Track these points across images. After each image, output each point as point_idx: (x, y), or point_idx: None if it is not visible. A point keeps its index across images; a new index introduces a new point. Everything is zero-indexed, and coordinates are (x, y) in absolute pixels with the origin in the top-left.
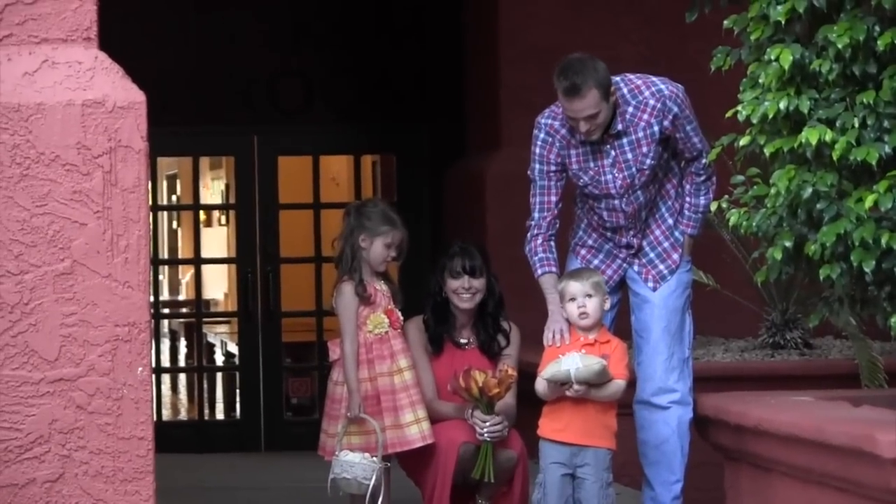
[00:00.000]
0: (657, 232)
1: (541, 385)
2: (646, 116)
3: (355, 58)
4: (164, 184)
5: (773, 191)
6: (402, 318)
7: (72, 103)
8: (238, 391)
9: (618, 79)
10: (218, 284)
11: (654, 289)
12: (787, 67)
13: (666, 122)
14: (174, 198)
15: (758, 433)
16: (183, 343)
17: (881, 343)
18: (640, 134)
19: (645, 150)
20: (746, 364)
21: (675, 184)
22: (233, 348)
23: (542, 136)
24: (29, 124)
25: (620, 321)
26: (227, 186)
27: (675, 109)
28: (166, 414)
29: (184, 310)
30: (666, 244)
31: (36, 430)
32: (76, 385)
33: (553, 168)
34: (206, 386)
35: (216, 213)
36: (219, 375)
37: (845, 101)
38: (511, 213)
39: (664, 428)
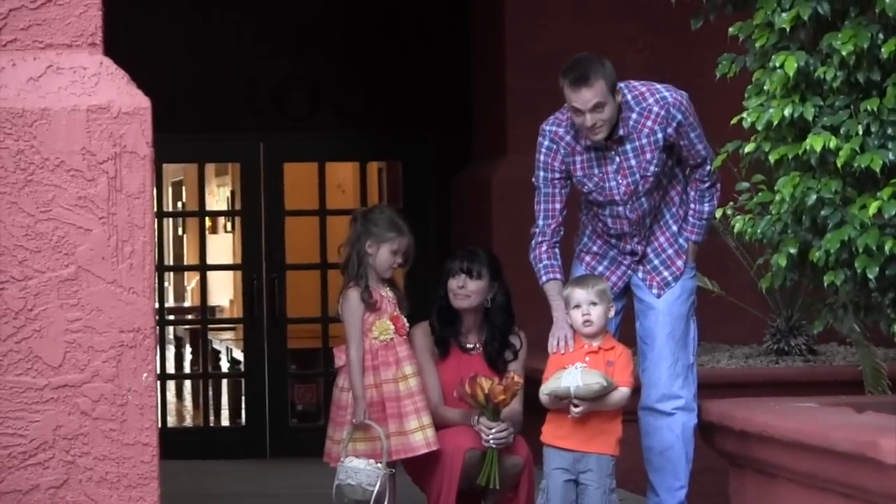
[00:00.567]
0: (661, 239)
1: (543, 397)
2: (649, 123)
3: (361, 65)
4: (170, 190)
5: (777, 197)
6: (407, 324)
7: (77, 109)
8: (243, 398)
9: (621, 85)
10: (223, 291)
11: (659, 295)
12: (791, 74)
13: (670, 130)
14: (179, 204)
15: (762, 439)
16: (188, 350)
17: (885, 349)
18: (644, 141)
19: (649, 157)
20: (751, 370)
21: (680, 190)
22: (238, 355)
23: (546, 143)
24: (33, 129)
25: (625, 328)
26: (233, 193)
27: (679, 117)
28: (171, 421)
29: (189, 316)
30: (670, 251)
31: (40, 437)
32: (80, 391)
33: (557, 175)
34: (211, 392)
35: (222, 220)
36: (224, 382)
37: (849, 108)
38: (517, 220)
39: (669, 434)
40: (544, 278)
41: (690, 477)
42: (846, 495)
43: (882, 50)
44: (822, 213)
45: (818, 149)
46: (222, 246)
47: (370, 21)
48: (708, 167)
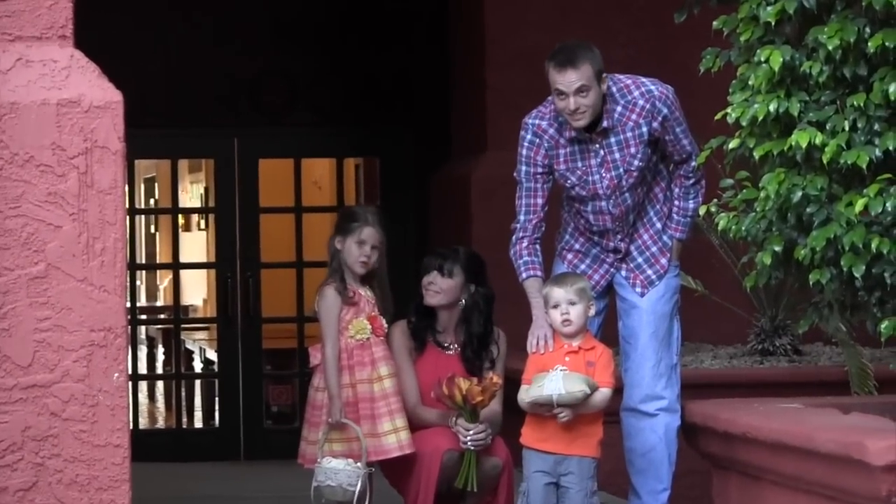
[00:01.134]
0: (645, 236)
1: (523, 402)
2: (634, 116)
3: (339, 60)
4: (142, 187)
5: (762, 194)
6: (385, 325)
7: (46, 103)
8: (217, 399)
9: (606, 76)
10: (197, 290)
11: (642, 294)
12: (776, 69)
13: (655, 124)
14: (152, 201)
15: (746, 441)
16: (161, 350)
17: (871, 350)
18: (629, 134)
19: (633, 150)
20: (735, 371)
21: (664, 187)
22: (212, 355)
23: (528, 136)
24: (2, 124)
25: (607, 328)
26: (207, 190)
27: (665, 111)
28: (143, 422)
29: (162, 316)
30: (654, 248)
31: (8, 438)
32: (50, 391)
33: (540, 170)
34: (184, 393)
35: (195, 217)
36: (197, 383)
37: (836, 103)
38: (497, 218)
39: (651, 435)
40: (524, 275)
41: (673, 479)
42: (831, 498)
43: (869, 44)
44: (808, 210)
45: (804, 145)
46: (196, 244)
47: (348, 16)
48: (693, 163)
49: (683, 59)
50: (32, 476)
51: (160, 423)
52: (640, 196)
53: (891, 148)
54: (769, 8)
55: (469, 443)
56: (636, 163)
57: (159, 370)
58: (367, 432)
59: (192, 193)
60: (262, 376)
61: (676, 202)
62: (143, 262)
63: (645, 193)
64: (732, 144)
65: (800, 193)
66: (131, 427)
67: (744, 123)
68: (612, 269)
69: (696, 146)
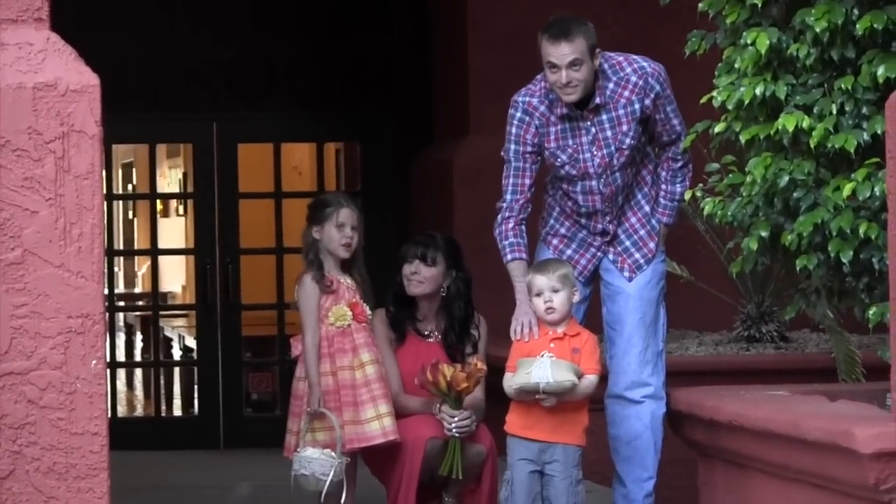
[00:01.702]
0: (633, 219)
1: (509, 388)
2: (626, 93)
3: (318, 43)
4: (120, 172)
5: (748, 179)
6: (368, 312)
7: (22, 86)
8: (196, 386)
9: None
10: (175, 276)
11: (630, 279)
12: (763, 52)
13: (647, 101)
14: (130, 187)
15: (732, 429)
16: (139, 337)
17: (859, 336)
18: (621, 111)
19: (625, 128)
20: (721, 358)
21: (651, 170)
22: (191, 342)
23: (518, 114)
24: None
25: (591, 314)
26: (185, 175)
27: (658, 88)
28: (122, 410)
29: (140, 303)
30: (642, 232)
31: None
32: (27, 379)
33: (529, 149)
34: (163, 381)
35: (174, 203)
36: (176, 370)
37: (823, 86)
38: (479, 203)
39: (637, 423)
40: (509, 256)
41: (658, 467)
42: (818, 486)
43: (857, 26)
44: (795, 195)
45: (791, 128)
46: (174, 230)
47: None
48: (682, 144)
49: (669, 41)
50: (9, 464)
51: (139, 412)
52: (629, 177)
53: (879, 132)
54: None
55: (454, 430)
56: (628, 141)
57: (138, 357)
58: (350, 419)
59: (170, 179)
60: (242, 364)
61: (664, 186)
62: (121, 248)
63: (633, 176)
64: (718, 128)
65: (787, 178)
66: (109, 415)
67: (730, 107)
68: (598, 254)
69: (686, 127)
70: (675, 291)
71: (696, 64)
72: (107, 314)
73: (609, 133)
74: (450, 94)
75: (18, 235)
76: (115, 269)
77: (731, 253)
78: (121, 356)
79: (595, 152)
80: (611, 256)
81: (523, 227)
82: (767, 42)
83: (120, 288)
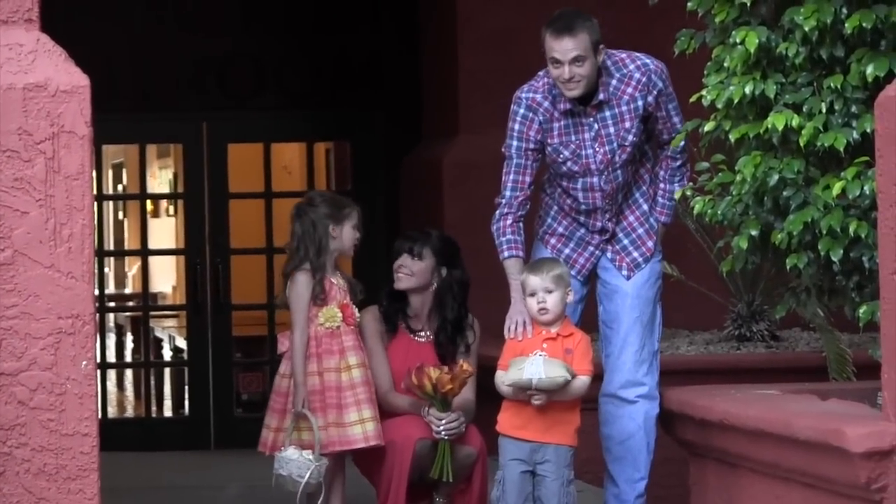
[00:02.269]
0: (631, 218)
1: (502, 385)
2: (630, 90)
3: (308, 43)
4: (110, 173)
5: (738, 178)
6: (357, 314)
7: (12, 87)
8: (187, 387)
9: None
10: (166, 277)
11: (628, 277)
12: (752, 50)
13: (650, 98)
14: (120, 187)
15: (723, 428)
16: (129, 338)
17: (849, 335)
18: (624, 108)
19: (628, 125)
20: (711, 357)
21: (649, 168)
22: (181, 343)
23: (521, 111)
24: None
25: (586, 313)
26: (175, 175)
27: (661, 84)
28: (112, 411)
29: (130, 303)
30: (640, 230)
31: None
32: (17, 380)
33: (532, 146)
34: (153, 382)
35: (164, 203)
36: (167, 371)
37: (812, 85)
38: (469, 202)
39: (630, 423)
40: (506, 253)
41: (651, 468)
42: (809, 485)
43: (846, 25)
44: (785, 193)
45: (780, 127)
46: (164, 230)
47: None
48: (682, 144)
49: (658, 40)
50: (0, 465)
51: (129, 412)
52: (630, 175)
53: (868, 130)
54: None
55: (443, 432)
56: (630, 137)
57: (128, 358)
58: (334, 421)
59: (160, 179)
60: (232, 364)
61: (662, 185)
62: (112, 248)
63: (632, 174)
64: (708, 127)
65: (776, 177)
66: (100, 416)
67: (719, 106)
68: (597, 252)
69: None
70: (665, 290)
71: (685, 63)
72: (97, 315)
73: (612, 129)
74: (440, 93)
75: (8, 236)
76: (106, 269)
77: (721, 252)
78: (111, 357)
79: (597, 148)
80: (609, 255)
81: (521, 225)
82: (756, 41)
83: (110, 288)
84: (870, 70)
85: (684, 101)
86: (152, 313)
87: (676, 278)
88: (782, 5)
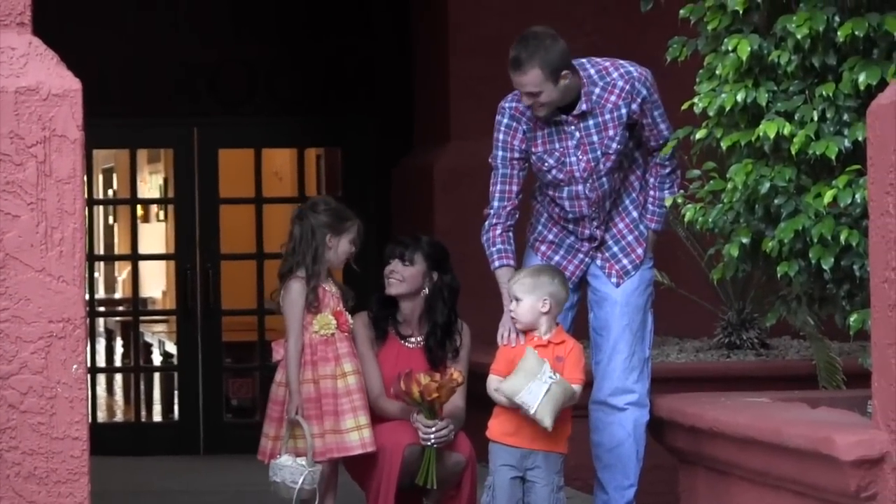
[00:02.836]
0: (621, 225)
1: (501, 398)
2: (613, 98)
3: (300, 49)
4: (101, 177)
5: (729, 185)
6: (350, 320)
7: (4, 90)
8: (176, 392)
9: (584, 60)
10: (156, 282)
11: (618, 284)
12: (744, 58)
13: (634, 106)
14: (110, 192)
15: (713, 435)
16: (119, 343)
17: (839, 343)
18: (608, 116)
19: (611, 133)
20: (701, 365)
21: (640, 175)
22: (171, 348)
23: (505, 120)
24: None
25: (578, 320)
26: (166, 180)
27: (644, 92)
28: (101, 416)
29: (120, 308)
30: (630, 237)
31: None
32: (8, 383)
33: (517, 155)
34: (143, 387)
35: (154, 208)
36: (156, 376)
37: (804, 93)
38: (460, 209)
39: (619, 430)
40: (496, 263)
41: (640, 475)
42: (800, 493)
43: (838, 33)
44: (776, 201)
45: (772, 135)
46: (155, 235)
47: (308, 3)
48: (671, 151)
49: (650, 48)
50: None
51: (119, 417)
52: (617, 183)
53: (860, 138)
54: None
55: (432, 439)
56: (614, 146)
57: (118, 363)
58: (331, 428)
59: (150, 184)
60: (222, 369)
61: (652, 192)
62: (102, 253)
63: (621, 181)
64: (699, 135)
65: (768, 184)
66: (89, 420)
67: (711, 113)
68: (586, 259)
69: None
70: (656, 298)
71: (677, 71)
72: (87, 318)
73: (595, 138)
74: (431, 100)
75: (0, 240)
76: (96, 274)
77: (712, 259)
78: (101, 362)
79: (581, 156)
80: (598, 262)
81: (511, 234)
82: (749, 49)
83: (100, 293)
84: (862, 78)
85: (676, 108)
86: (142, 318)
87: (667, 286)
88: (775, 13)
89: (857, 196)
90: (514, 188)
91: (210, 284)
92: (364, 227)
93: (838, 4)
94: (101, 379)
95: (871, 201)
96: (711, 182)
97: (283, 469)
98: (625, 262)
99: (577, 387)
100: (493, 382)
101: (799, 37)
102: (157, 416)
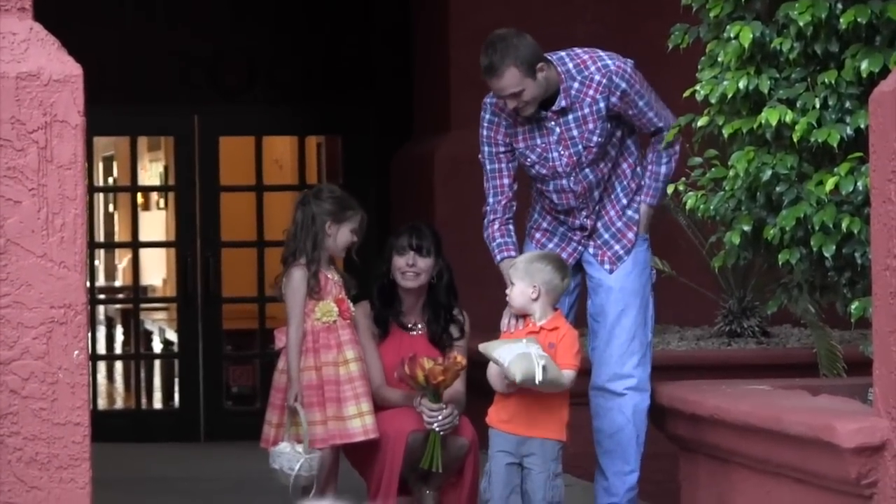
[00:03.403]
0: (612, 213)
1: (492, 376)
2: (591, 92)
3: (300, 36)
4: (101, 165)
5: (731, 173)
6: (352, 308)
7: (5, 76)
8: (177, 379)
9: (563, 54)
10: (156, 269)
11: (611, 271)
12: (746, 46)
13: (613, 99)
14: (111, 179)
15: (714, 423)
16: (120, 330)
17: (840, 331)
18: (587, 110)
19: (591, 126)
20: (702, 352)
21: (632, 163)
22: (171, 335)
23: (487, 116)
24: None
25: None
26: (166, 168)
27: (623, 85)
28: (102, 403)
29: (120, 296)
30: (619, 223)
31: None
32: (10, 369)
33: (502, 149)
34: (143, 374)
35: (154, 196)
36: (157, 363)
37: (806, 80)
38: (460, 198)
39: (619, 416)
40: (498, 257)
41: (641, 461)
42: (800, 480)
43: (840, 20)
44: (778, 189)
45: (774, 123)
46: (155, 223)
47: None
48: (664, 134)
49: (651, 35)
50: None
51: (119, 404)
52: (605, 172)
53: (862, 126)
54: None
55: (436, 426)
56: (595, 139)
57: (118, 350)
58: (333, 415)
59: (151, 172)
60: (223, 357)
61: (650, 167)
62: (102, 240)
63: (611, 169)
64: (701, 122)
65: (769, 172)
66: (90, 407)
67: (713, 101)
68: (579, 247)
69: (670, 116)
70: (656, 286)
71: (679, 58)
72: (88, 304)
73: (575, 132)
74: (431, 89)
75: (1, 225)
76: (96, 262)
77: (713, 247)
78: (101, 349)
79: (562, 151)
80: (591, 250)
81: (510, 227)
82: (751, 36)
83: (100, 281)
84: (864, 66)
85: (678, 96)
86: (142, 306)
87: (668, 274)
88: (777, 0)
89: (859, 184)
90: (506, 181)
91: (210, 272)
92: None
93: None
94: (102, 366)
95: (873, 189)
96: (713, 169)
97: (282, 456)
98: (616, 247)
99: (567, 372)
100: (483, 346)
101: (801, 24)
102: (158, 404)
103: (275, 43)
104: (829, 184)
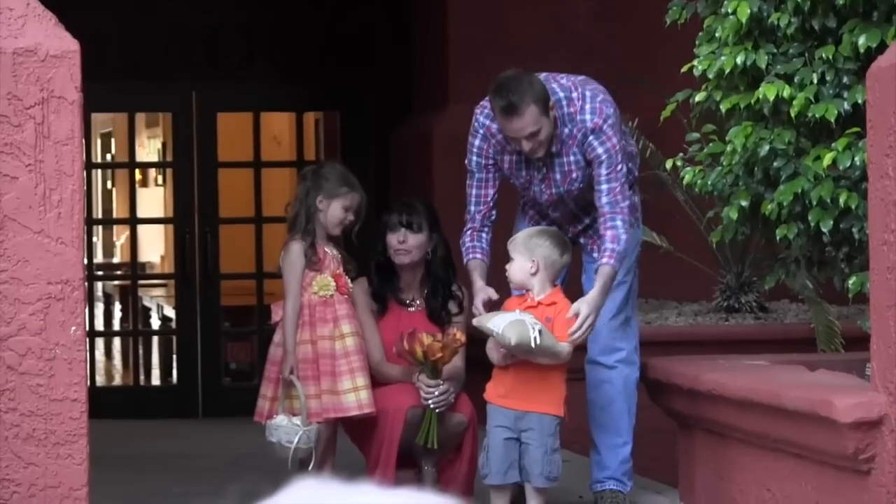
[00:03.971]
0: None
1: (490, 351)
2: (573, 144)
3: (299, 12)
4: (99, 142)
5: (729, 148)
6: (350, 283)
7: (2, 51)
8: (175, 356)
9: (561, 96)
10: (154, 246)
11: (601, 257)
12: (744, 21)
13: (589, 152)
14: (108, 156)
15: (712, 398)
16: (118, 307)
17: (838, 307)
18: (571, 158)
19: (574, 175)
20: (700, 328)
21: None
22: (169, 312)
23: (480, 132)
24: None
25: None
26: (164, 144)
27: (595, 143)
28: (100, 380)
29: (118, 272)
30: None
31: None
32: (7, 345)
33: (491, 162)
34: (141, 351)
35: (152, 172)
36: (155, 340)
37: (804, 56)
38: (458, 173)
39: (610, 388)
40: (465, 258)
41: (635, 434)
42: (798, 455)
43: None
44: (775, 164)
45: (771, 98)
46: (153, 199)
47: None
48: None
49: (649, 11)
50: None
51: (117, 381)
52: (589, 198)
53: (859, 101)
54: None
55: (431, 403)
56: (577, 184)
57: (116, 327)
58: (328, 389)
59: (149, 149)
60: (221, 333)
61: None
62: (100, 217)
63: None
64: (699, 98)
65: (767, 147)
66: (88, 383)
67: (710, 76)
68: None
69: (633, 168)
70: (654, 261)
71: (677, 34)
72: (86, 281)
73: (558, 177)
74: (430, 65)
75: None
76: (94, 238)
77: (710, 223)
78: (99, 326)
79: (544, 189)
80: (582, 240)
81: (483, 234)
82: (748, 11)
83: (98, 258)
84: (862, 41)
85: (675, 71)
86: (141, 282)
87: (665, 249)
88: None
89: (857, 159)
90: (490, 191)
91: (208, 248)
92: (366, 200)
93: None
94: (100, 343)
95: (871, 164)
96: (711, 145)
97: (279, 429)
98: (606, 241)
99: (564, 344)
100: (476, 319)
101: None
102: (156, 380)
103: (274, 19)
104: (827, 159)
